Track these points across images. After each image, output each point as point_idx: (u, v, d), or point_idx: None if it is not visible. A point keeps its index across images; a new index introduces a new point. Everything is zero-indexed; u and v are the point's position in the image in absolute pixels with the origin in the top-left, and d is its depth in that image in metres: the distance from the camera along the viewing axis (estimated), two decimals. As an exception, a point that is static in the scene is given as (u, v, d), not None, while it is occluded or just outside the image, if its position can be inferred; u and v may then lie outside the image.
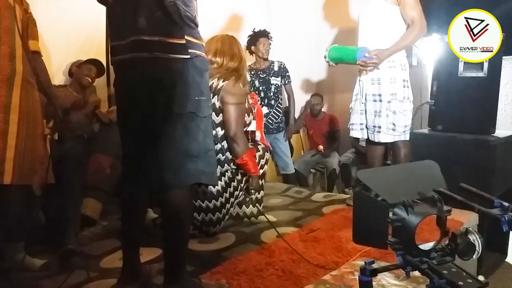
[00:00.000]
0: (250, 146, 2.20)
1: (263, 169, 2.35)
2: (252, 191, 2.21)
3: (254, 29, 3.51)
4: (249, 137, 2.37)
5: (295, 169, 3.84)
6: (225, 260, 1.78)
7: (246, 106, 2.20)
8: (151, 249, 1.87)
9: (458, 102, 2.81)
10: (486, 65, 2.69)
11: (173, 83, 1.35)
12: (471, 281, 0.87)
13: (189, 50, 1.36)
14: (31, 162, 1.70)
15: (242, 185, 2.21)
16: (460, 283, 0.86)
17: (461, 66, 2.77)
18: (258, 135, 2.46)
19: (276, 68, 3.59)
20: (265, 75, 3.56)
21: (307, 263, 1.72)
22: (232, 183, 2.16)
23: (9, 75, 1.63)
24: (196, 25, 1.41)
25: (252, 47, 3.49)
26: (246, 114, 2.19)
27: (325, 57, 2.48)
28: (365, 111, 2.44)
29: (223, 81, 2.09)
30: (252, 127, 2.38)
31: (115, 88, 1.51)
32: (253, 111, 2.40)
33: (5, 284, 1.67)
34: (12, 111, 1.63)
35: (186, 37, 1.36)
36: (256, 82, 3.54)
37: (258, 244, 1.97)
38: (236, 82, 2.13)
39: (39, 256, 1.84)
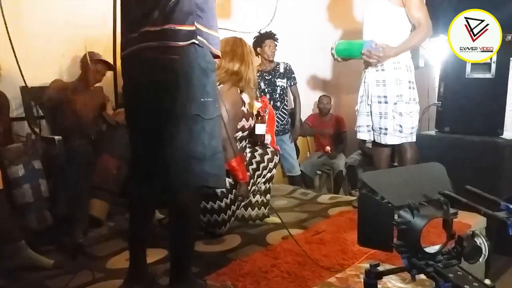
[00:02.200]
0: (240, 152, 2.16)
1: (271, 173, 2.34)
2: (240, 198, 2.14)
3: (260, 30, 3.50)
4: (258, 141, 2.36)
5: (301, 170, 3.83)
6: (230, 262, 1.78)
7: (246, 111, 2.18)
8: (157, 250, 1.88)
9: (466, 104, 2.78)
10: (493, 66, 2.67)
11: (177, 84, 1.34)
12: (477, 284, 0.86)
13: (199, 37, 1.33)
14: None
15: (248, 187, 2.21)
16: (466, 286, 0.85)
17: (468, 67, 2.75)
18: (268, 139, 2.44)
19: (281, 70, 3.58)
20: (270, 76, 3.56)
21: (312, 265, 1.72)
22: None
23: None
24: (207, 13, 1.38)
25: (258, 49, 3.48)
26: (244, 119, 2.17)
27: (332, 51, 2.45)
28: (371, 113, 2.43)
29: (218, 84, 2.07)
30: (261, 130, 2.36)
31: (123, 85, 1.51)
32: (263, 114, 2.39)
33: (12, 283, 1.69)
34: None
35: (196, 24, 1.33)
36: (262, 84, 3.54)
37: (264, 246, 1.97)
38: (232, 86, 2.10)
39: (45, 256, 1.84)
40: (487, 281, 0.87)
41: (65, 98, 2.52)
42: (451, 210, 0.95)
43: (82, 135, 2.50)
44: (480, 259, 0.93)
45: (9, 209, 1.80)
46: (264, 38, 3.46)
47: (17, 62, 1.71)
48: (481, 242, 0.93)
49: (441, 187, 0.98)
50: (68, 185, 2.10)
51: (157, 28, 1.32)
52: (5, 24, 1.64)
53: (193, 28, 1.32)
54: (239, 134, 2.18)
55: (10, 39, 1.70)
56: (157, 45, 1.32)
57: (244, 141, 2.25)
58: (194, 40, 1.32)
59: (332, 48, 2.45)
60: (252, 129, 2.36)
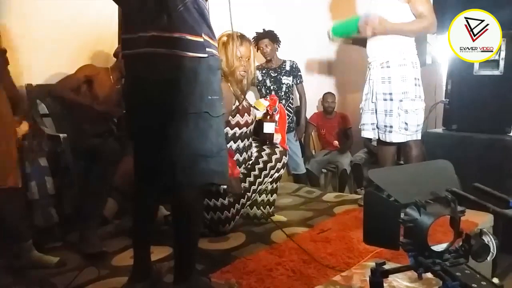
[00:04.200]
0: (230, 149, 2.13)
1: (279, 173, 2.33)
2: (230, 194, 2.09)
3: (264, 29, 3.49)
4: (266, 140, 2.34)
5: (306, 168, 3.82)
6: (235, 260, 1.77)
7: (240, 107, 2.15)
8: (161, 247, 1.88)
9: (473, 101, 2.75)
10: (502, 63, 2.63)
11: (186, 82, 1.34)
12: (485, 283, 0.85)
13: (207, 49, 1.35)
14: (4, 164, 1.65)
15: (254, 187, 2.20)
16: (474, 285, 0.84)
17: (476, 64, 2.71)
18: (278, 138, 2.42)
19: (288, 68, 3.57)
20: (276, 74, 3.54)
21: (317, 263, 1.71)
22: (243, 183, 2.15)
23: None
24: (211, 24, 1.40)
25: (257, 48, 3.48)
26: (238, 115, 2.14)
27: (328, 35, 2.43)
28: (376, 111, 2.41)
29: None
30: (269, 129, 2.33)
31: (124, 83, 1.49)
32: (272, 112, 2.36)
33: (17, 282, 1.69)
34: None
35: (203, 35, 1.34)
36: (267, 81, 3.53)
37: (268, 244, 1.96)
38: (223, 81, 2.04)
39: (51, 254, 1.85)
40: (495, 280, 0.86)
41: (95, 80, 2.42)
42: (459, 208, 0.94)
43: (106, 130, 2.43)
44: (488, 258, 0.92)
45: (23, 208, 1.81)
46: (260, 38, 3.44)
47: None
48: (489, 240, 0.91)
49: (449, 185, 0.96)
50: (91, 181, 2.07)
51: (166, 35, 1.31)
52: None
53: (201, 39, 1.33)
54: (236, 130, 2.15)
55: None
56: (166, 53, 1.32)
57: (246, 139, 2.22)
58: (204, 55, 1.33)
59: (328, 33, 2.43)
60: (258, 127, 2.35)
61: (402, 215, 0.93)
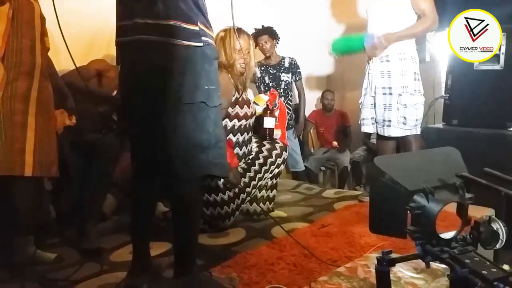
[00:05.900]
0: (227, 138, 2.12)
1: (279, 168, 2.31)
2: (228, 184, 2.06)
3: (263, 25, 3.47)
4: (266, 135, 2.32)
5: (305, 166, 3.80)
6: (236, 254, 1.75)
7: (240, 98, 2.12)
8: (161, 243, 1.85)
9: (474, 96, 2.74)
10: (502, 58, 2.62)
11: (182, 71, 1.31)
12: (495, 270, 0.83)
13: (202, 38, 1.33)
14: (49, 154, 1.69)
15: (254, 182, 2.18)
16: (484, 272, 0.82)
17: (476, 59, 2.70)
18: (278, 134, 2.39)
19: (286, 64, 3.55)
20: (275, 71, 3.52)
21: (319, 257, 1.68)
22: (243, 179, 2.13)
23: (29, 67, 1.64)
24: (207, 14, 1.38)
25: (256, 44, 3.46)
26: (238, 106, 2.12)
27: (329, 50, 2.43)
28: (375, 105, 2.40)
29: None
30: (269, 124, 2.31)
31: (119, 72, 1.46)
32: (272, 107, 2.34)
33: (17, 277, 1.66)
34: (31, 103, 1.64)
35: (199, 24, 1.32)
36: (266, 78, 3.51)
37: (269, 239, 1.94)
38: (222, 71, 2.01)
39: (48, 250, 1.83)
40: (506, 266, 0.84)
41: (105, 75, 2.42)
42: (467, 195, 0.92)
43: (105, 126, 2.41)
44: (498, 245, 0.90)
45: (33, 200, 1.80)
46: (259, 34, 3.42)
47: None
48: (499, 227, 0.90)
49: (457, 171, 0.95)
50: (90, 177, 2.06)
51: (160, 22, 1.29)
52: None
53: (196, 28, 1.31)
54: (235, 122, 2.12)
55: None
56: (161, 40, 1.30)
57: (246, 133, 2.19)
58: (199, 44, 1.32)
59: (329, 48, 2.43)
60: (256, 124, 2.32)
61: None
